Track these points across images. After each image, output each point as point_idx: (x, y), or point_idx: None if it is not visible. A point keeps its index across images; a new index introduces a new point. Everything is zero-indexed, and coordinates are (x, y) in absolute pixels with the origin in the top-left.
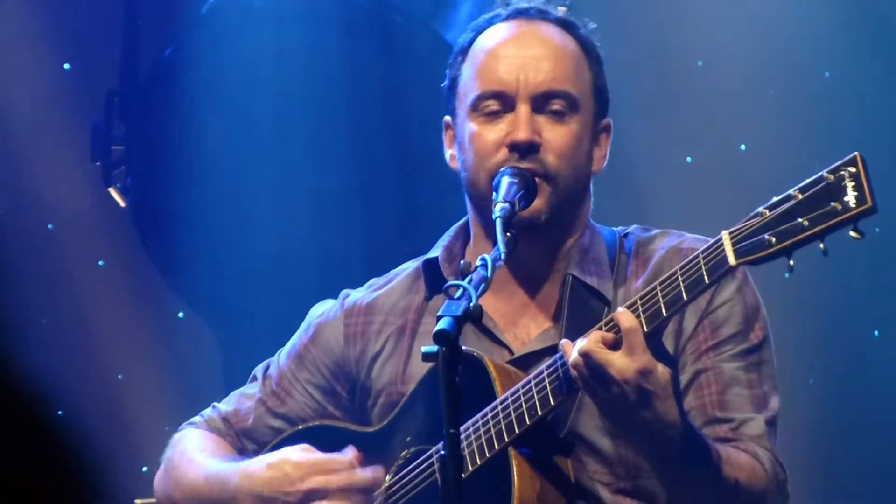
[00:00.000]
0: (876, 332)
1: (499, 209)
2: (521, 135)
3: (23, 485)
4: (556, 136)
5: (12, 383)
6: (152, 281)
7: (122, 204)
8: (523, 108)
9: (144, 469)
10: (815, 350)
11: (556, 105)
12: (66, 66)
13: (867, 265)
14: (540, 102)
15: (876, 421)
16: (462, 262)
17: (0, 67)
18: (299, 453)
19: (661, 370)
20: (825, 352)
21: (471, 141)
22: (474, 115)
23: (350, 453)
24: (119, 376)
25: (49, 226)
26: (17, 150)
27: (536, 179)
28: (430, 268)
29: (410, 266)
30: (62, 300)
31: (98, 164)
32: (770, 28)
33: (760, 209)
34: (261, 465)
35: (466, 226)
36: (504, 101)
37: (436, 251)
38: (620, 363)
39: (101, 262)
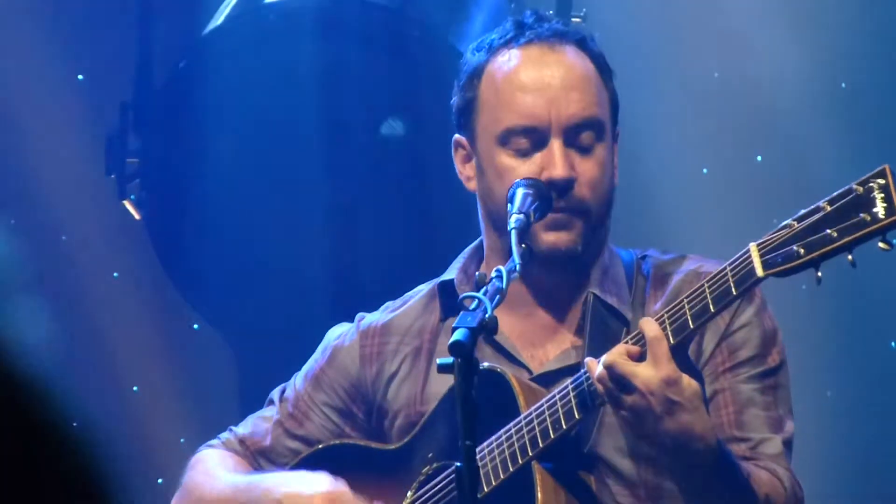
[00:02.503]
0: (893, 344)
1: (514, 221)
2: (559, 171)
3: (37, 497)
4: (587, 168)
5: (26, 395)
6: (167, 293)
7: (136, 217)
8: (556, 144)
9: (160, 481)
10: (832, 362)
11: (587, 137)
12: (80, 76)
13: (884, 276)
14: (571, 135)
15: (894, 433)
16: (477, 273)
17: (13, 77)
18: (334, 483)
19: (687, 381)
20: (843, 364)
21: (501, 175)
22: (503, 150)
23: None
24: (134, 388)
25: (63, 237)
26: (30, 159)
27: (568, 214)
28: (446, 290)
29: (425, 288)
30: (76, 312)
31: (113, 176)
32: (785, 38)
33: (789, 221)
34: (293, 478)
35: (480, 247)
36: (535, 136)
37: (451, 273)
38: (645, 374)
39: (115, 275)
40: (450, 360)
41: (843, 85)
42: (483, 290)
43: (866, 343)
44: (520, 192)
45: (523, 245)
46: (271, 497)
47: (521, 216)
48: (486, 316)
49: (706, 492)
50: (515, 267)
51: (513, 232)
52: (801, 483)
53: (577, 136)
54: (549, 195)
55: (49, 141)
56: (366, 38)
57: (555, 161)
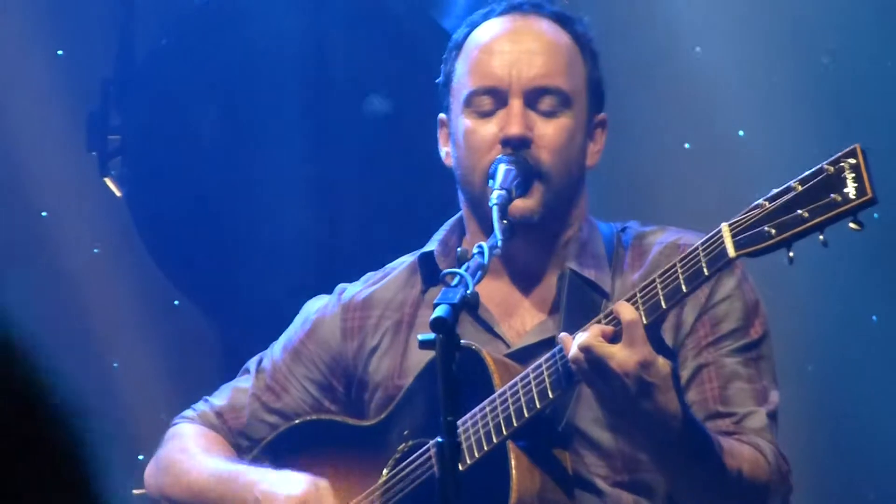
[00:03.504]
0: (874, 318)
1: (496, 197)
2: (514, 129)
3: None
4: (548, 131)
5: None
6: (148, 269)
7: (118, 194)
8: (516, 103)
9: (141, 457)
10: (814, 336)
11: (549, 101)
12: (60, 52)
13: (865, 251)
14: (532, 98)
15: (875, 407)
16: (459, 249)
17: None
18: (320, 487)
19: (662, 362)
20: (824, 338)
21: (465, 138)
22: (468, 112)
23: None
24: (114, 364)
25: (43, 213)
26: (8, 135)
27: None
28: (427, 261)
29: (407, 260)
30: (56, 287)
31: (94, 153)
32: (769, 14)
33: (760, 201)
34: (277, 476)
35: (461, 220)
36: (497, 97)
37: (432, 245)
38: (621, 356)
39: (96, 250)
40: (431, 335)
41: (826, 60)
42: (465, 266)
43: (848, 317)
44: (501, 167)
45: (504, 221)
46: (250, 493)
47: (503, 192)
48: (468, 292)
49: (684, 470)
50: (497, 243)
51: (494, 208)
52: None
53: (538, 99)
54: (531, 170)
55: (29, 116)
56: (348, 14)
57: (511, 118)
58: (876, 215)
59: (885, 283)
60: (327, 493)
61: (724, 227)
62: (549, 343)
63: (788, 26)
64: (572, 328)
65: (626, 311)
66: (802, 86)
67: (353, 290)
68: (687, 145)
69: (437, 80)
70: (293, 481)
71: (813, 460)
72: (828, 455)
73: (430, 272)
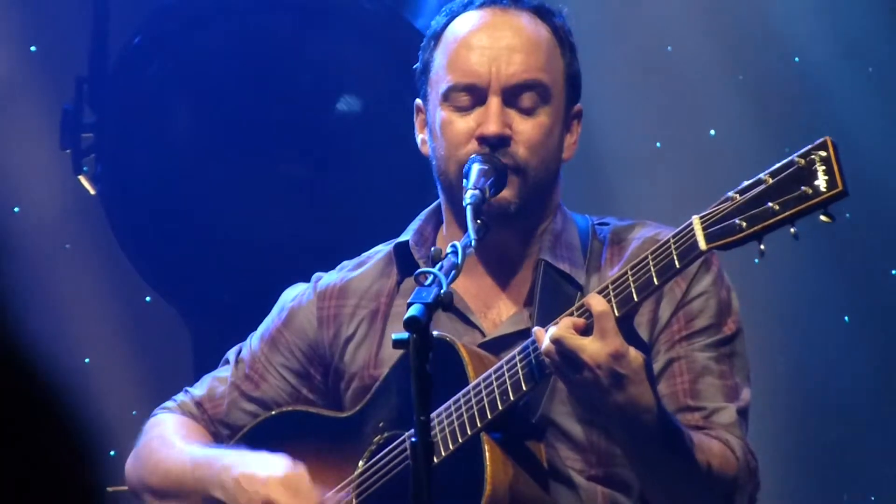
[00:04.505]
0: (846, 318)
1: (469, 196)
2: (492, 128)
3: None
4: (526, 128)
5: None
6: (119, 265)
7: (92, 191)
8: (494, 101)
9: (112, 453)
10: (786, 336)
11: (528, 98)
12: (33, 48)
13: (837, 251)
14: (511, 94)
15: (846, 406)
16: (433, 248)
17: None
18: (294, 467)
19: (634, 354)
20: (796, 338)
21: (442, 130)
22: (445, 105)
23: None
24: (86, 360)
25: (15, 209)
26: None
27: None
28: (402, 251)
29: (383, 249)
30: (28, 283)
31: (68, 151)
32: (740, 12)
33: (731, 193)
34: (252, 458)
35: (438, 210)
36: (475, 94)
37: (406, 235)
38: (592, 348)
39: (67, 246)
40: (405, 335)
41: (797, 59)
42: (438, 266)
43: (820, 317)
44: (475, 167)
45: (478, 220)
46: (229, 475)
47: (477, 192)
48: (442, 292)
49: (655, 463)
50: (471, 242)
51: (468, 208)
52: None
53: (517, 96)
54: (504, 170)
55: (1, 113)
56: (319, 12)
57: (489, 117)
58: (848, 215)
59: (857, 284)
60: (305, 476)
61: (696, 219)
62: (525, 334)
63: (759, 26)
64: (546, 320)
65: (596, 303)
66: (774, 84)
67: (328, 279)
68: (658, 144)
69: (414, 67)
70: (272, 463)
71: (785, 459)
72: (800, 454)
73: (405, 262)
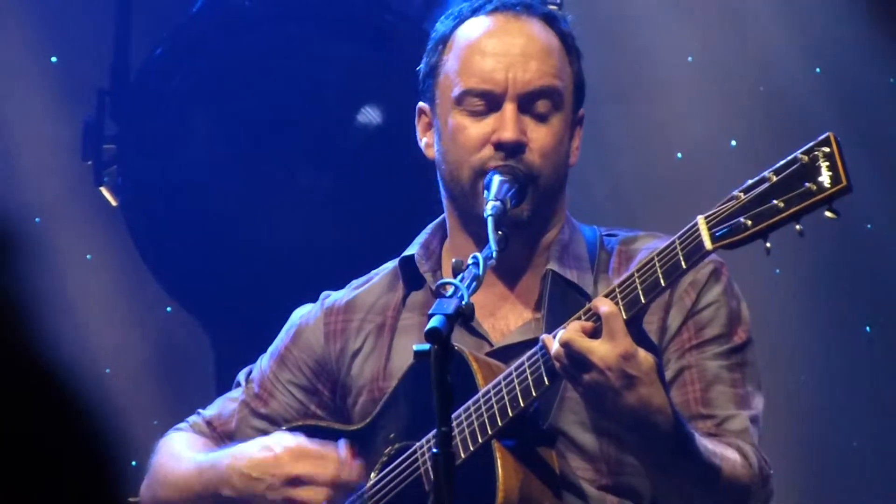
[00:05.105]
0: (868, 328)
1: (490, 207)
2: (509, 134)
3: (8, 478)
4: (540, 135)
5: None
6: (140, 275)
7: (114, 203)
8: (510, 108)
9: (133, 463)
10: (807, 346)
11: (542, 105)
12: (54, 59)
13: (859, 261)
14: (526, 102)
15: (868, 417)
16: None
17: None
18: (293, 438)
19: (644, 355)
20: (817, 348)
21: (454, 134)
22: (458, 109)
23: (343, 447)
24: (106, 370)
25: (37, 219)
26: (2, 141)
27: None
28: (407, 265)
29: (389, 265)
30: (49, 293)
31: (89, 162)
32: (761, 23)
33: (735, 192)
34: (253, 446)
35: (444, 223)
36: (490, 100)
37: (412, 249)
38: (602, 350)
39: (88, 256)
40: (426, 346)
41: (818, 69)
42: (459, 277)
43: (841, 328)
44: (496, 178)
45: (500, 232)
46: (236, 469)
47: (498, 203)
48: (463, 303)
49: (669, 467)
50: (492, 253)
51: (489, 219)
52: (774, 465)
53: (532, 103)
54: (525, 181)
55: (22, 122)
56: (341, 24)
57: (506, 123)
58: (869, 226)
59: (878, 295)
60: (305, 440)
61: (701, 219)
62: (532, 343)
63: (781, 37)
64: (555, 329)
65: (603, 305)
66: (795, 95)
67: (336, 296)
68: (679, 155)
69: (417, 69)
70: (272, 441)
71: (806, 468)
72: (822, 463)
73: (410, 275)
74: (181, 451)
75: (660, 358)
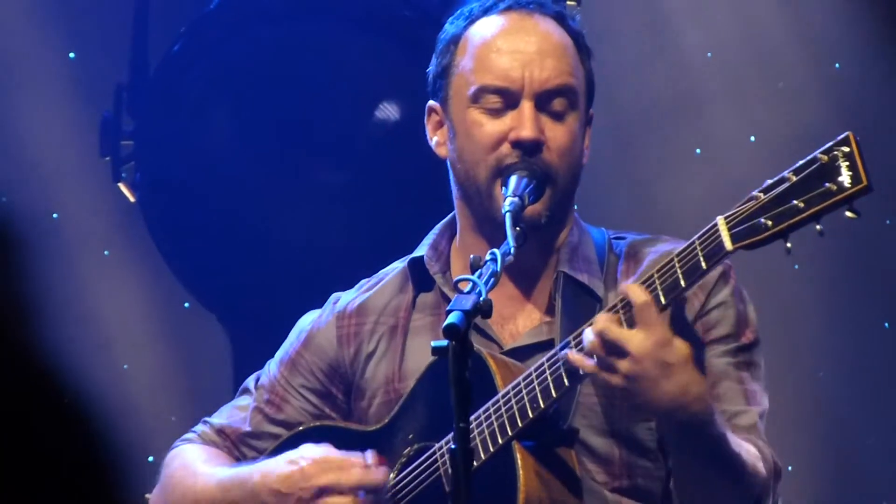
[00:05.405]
0: (886, 324)
1: (508, 204)
2: (527, 133)
3: (28, 474)
4: (557, 134)
5: (16, 372)
6: (158, 271)
7: (132, 199)
8: (528, 106)
9: (150, 459)
10: (826, 343)
11: (558, 103)
12: (72, 54)
13: (876, 257)
14: (543, 100)
15: (885, 414)
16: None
17: (4, 53)
18: (317, 450)
19: (680, 342)
20: (835, 345)
21: (470, 131)
22: (475, 107)
23: (369, 455)
24: (124, 366)
25: (54, 215)
26: (20, 136)
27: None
28: (416, 266)
29: (398, 266)
30: (67, 289)
31: (107, 158)
32: (780, 19)
33: (755, 192)
34: (280, 462)
35: (453, 223)
36: (507, 97)
37: (421, 250)
38: (638, 338)
39: (106, 252)
40: (444, 342)
41: (838, 65)
42: (477, 273)
43: (859, 324)
44: (514, 176)
45: (517, 228)
46: (266, 486)
47: (516, 199)
48: (481, 299)
49: (703, 457)
50: (510, 250)
51: (507, 215)
52: (793, 462)
53: (549, 101)
54: (543, 178)
55: (40, 118)
56: (359, 19)
57: (524, 121)
58: (888, 221)
59: None
60: (332, 449)
61: (720, 220)
62: (544, 346)
63: (800, 33)
64: (569, 331)
65: (637, 294)
66: (814, 91)
67: (346, 298)
68: (698, 151)
69: (427, 70)
70: (298, 454)
71: (824, 465)
72: (839, 460)
73: (420, 276)
74: (196, 465)
75: (695, 346)
